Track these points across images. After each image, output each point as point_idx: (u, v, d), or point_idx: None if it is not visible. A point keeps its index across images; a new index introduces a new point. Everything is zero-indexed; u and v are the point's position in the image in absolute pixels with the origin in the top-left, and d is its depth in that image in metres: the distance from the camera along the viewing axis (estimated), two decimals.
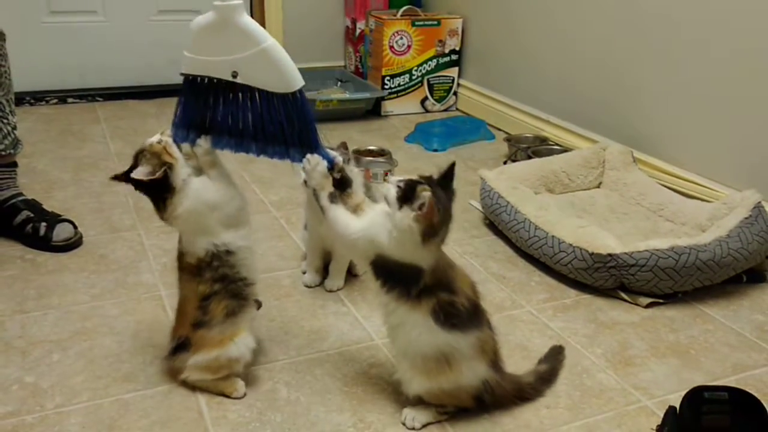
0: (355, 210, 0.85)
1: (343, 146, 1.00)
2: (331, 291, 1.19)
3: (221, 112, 0.89)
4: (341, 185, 0.86)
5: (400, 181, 0.79)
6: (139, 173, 0.85)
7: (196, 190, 0.86)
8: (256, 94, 0.86)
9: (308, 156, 0.85)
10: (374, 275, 0.83)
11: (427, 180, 0.79)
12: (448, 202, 0.80)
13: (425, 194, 0.76)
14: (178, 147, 0.88)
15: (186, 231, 0.89)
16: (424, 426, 0.87)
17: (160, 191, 0.86)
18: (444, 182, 0.81)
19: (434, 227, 0.77)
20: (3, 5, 1.32)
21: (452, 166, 0.81)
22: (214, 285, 0.88)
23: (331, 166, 0.86)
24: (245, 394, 0.92)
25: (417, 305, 0.81)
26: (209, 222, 0.87)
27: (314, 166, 0.85)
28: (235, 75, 0.86)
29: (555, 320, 1.13)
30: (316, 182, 0.85)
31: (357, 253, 0.85)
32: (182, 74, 0.90)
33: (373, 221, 0.81)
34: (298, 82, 0.84)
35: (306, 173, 0.86)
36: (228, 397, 0.92)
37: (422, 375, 0.83)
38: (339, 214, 0.83)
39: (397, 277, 0.81)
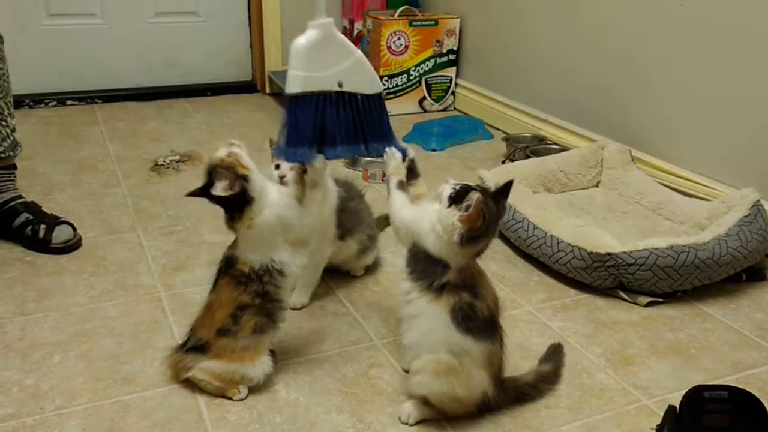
0: (416, 199, 0.92)
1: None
2: (294, 309, 1.12)
3: (330, 123, 0.93)
4: (410, 175, 0.96)
5: (457, 183, 0.83)
6: (219, 189, 0.86)
7: (276, 203, 0.89)
8: (358, 99, 0.95)
9: (388, 149, 0.96)
10: (406, 262, 0.86)
11: (482, 189, 0.83)
12: (496, 214, 0.82)
13: (475, 196, 0.79)
14: (300, 168, 0.90)
15: (252, 240, 0.89)
16: (417, 423, 0.87)
17: (237, 203, 0.87)
18: (498, 196, 0.84)
19: (475, 232, 0.80)
20: (2, 8, 1.32)
21: (510, 183, 0.85)
22: (255, 299, 0.89)
23: (404, 157, 0.96)
24: (247, 396, 0.92)
25: (438, 299, 0.81)
26: (278, 238, 0.89)
27: (393, 156, 0.95)
28: (341, 85, 0.93)
29: (554, 320, 1.14)
30: (392, 170, 0.94)
31: (399, 236, 0.90)
32: (293, 94, 0.91)
33: (422, 214, 0.86)
34: (380, 82, 0.98)
35: (386, 162, 0.95)
36: (229, 399, 0.92)
37: (430, 374, 0.83)
38: (398, 198, 0.91)
39: (425, 267, 0.83)
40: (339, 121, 0.93)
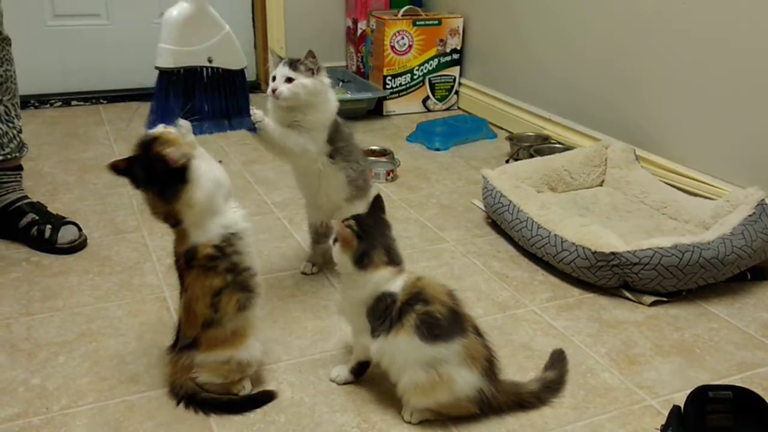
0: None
1: (311, 55, 1.11)
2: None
3: (198, 98, 0.94)
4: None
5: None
6: (173, 154, 0.79)
7: (204, 171, 0.85)
8: (225, 74, 0.96)
9: (254, 111, 1.04)
10: (371, 325, 0.87)
11: (355, 217, 0.89)
12: (373, 224, 0.88)
13: (336, 227, 0.87)
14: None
15: (199, 218, 0.85)
16: (420, 422, 0.88)
17: (174, 181, 0.81)
18: (372, 212, 0.91)
19: (359, 249, 0.86)
20: (8, 9, 1.33)
21: (377, 197, 0.92)
22: (227, 276, 0.86)
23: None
24: (251, 390, 0.93)
25: (401, 327, 0.83)
26: (218, 200, 0.86)
27: (262, 118, 1.05)
28: (210, 60, 0.94)
29: (558, 319, 1.13)
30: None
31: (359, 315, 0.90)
32: (161, 68, 0.92)
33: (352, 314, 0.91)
34: (244, 58, 1.00)
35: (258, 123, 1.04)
36: (235, 395, 0.92)
37: (418, 395, 0.84)
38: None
39: (377, 312, 0.85)
40: (206, 96, 0.96)
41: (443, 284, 0.88)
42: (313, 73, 1.10)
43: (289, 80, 1.08)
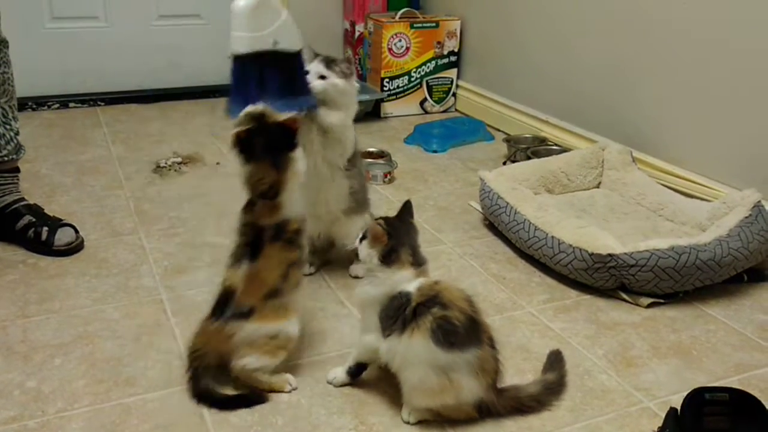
0: None
1: (348, 60, 1.18)
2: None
3: (269, 79, 1.02)
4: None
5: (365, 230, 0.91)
6: (293, 119, 0.89)
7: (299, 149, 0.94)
8: (289, 56, 1.05)
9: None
10: (381, 325, 0.86)
11: (385, 218, 0.91)
12: (401, 226, 0.90)
13: (369, 224, 0.89)
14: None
15: (294, 191, 0.91)
16: (418, 422, 0.88)
17: (287, 149, 0.90)
18: (401, 215, 0.92)
19: (387, 246, 0.86)
20: (6, 12, 1.33)
21: (407, 202, 0.94)
22: (299, 252, 0.93)
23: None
24: (296, 388, 0.93)
25: (416, 329, 0.83)
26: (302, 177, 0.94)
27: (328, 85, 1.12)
28: (276, 43, 1.03)
29: (556, 321, 1.13)
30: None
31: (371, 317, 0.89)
32: (241, 54, 1.01)
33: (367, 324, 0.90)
34: (302, 38, 1.08)
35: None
36: (280, 392, 0.92)
37: (424, 395, 0.85)
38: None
39: (390, 311, 0.85)
40: (275, 77, 1.04)
41: (461, 289, 0.87)
42: (345, 77, 1.16)
43: (322, 77, 1.14)
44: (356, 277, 1.22)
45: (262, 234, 0.90)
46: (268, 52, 1.02)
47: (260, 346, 0.90)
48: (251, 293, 0.90)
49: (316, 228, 1.22)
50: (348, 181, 1.20)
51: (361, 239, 0.90)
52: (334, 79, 1.13)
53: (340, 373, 0.95)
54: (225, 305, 0.91)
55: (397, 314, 0.85)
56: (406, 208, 0.93)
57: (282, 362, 0.93)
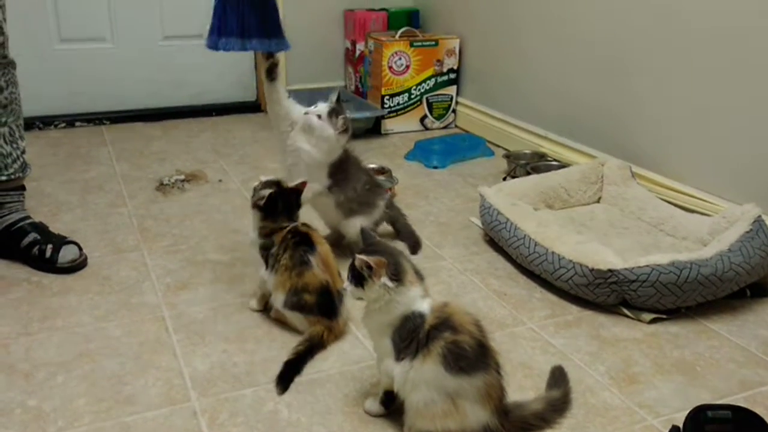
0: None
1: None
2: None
3: (248, 15, 1.10)
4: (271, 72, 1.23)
5: (350, 269, 0.88)
6: (299, 183, 1.15)
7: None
8: None
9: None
10: (394, 347, 0.86)
11: (359, 251, 0.88)
12: (378, 248, 0.90)
13: (358, 263, 0.85)
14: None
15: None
16: None
17: (298, 204, 1.16)
18: (366, 243, 0.92)
19: (388, 265, 0.85)
20: (16, 34, 1.36)
21: (362, 231, 0.95)
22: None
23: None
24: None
25: (428, 354, 0.82)
26: None
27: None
28: None
29: (557, 337, 1.13)
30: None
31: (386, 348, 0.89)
32: None
33: (383, 350, 0.89)
34: None
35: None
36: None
37: (428, 418, 0.84)
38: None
39: (404, 333, 0.85)
40: (254, 14, 1.11)
41: (469, 312, 0.86)
42: (337, 131, 1.25)
43: (319, 117, 1.24)
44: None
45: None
46: None
47: None
48: (332, 276, 1.09)
49: (331, 224, 1.38)
50: (332, 198, 1.31)
51: (354, 279, 0.86)
52: (327, 127, 1.24)
53: (374, 404, 0.92)
54: (333, 300, 1.08)
55: (411, 336, 0.84)
56: (365, 236, 0.93)
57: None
